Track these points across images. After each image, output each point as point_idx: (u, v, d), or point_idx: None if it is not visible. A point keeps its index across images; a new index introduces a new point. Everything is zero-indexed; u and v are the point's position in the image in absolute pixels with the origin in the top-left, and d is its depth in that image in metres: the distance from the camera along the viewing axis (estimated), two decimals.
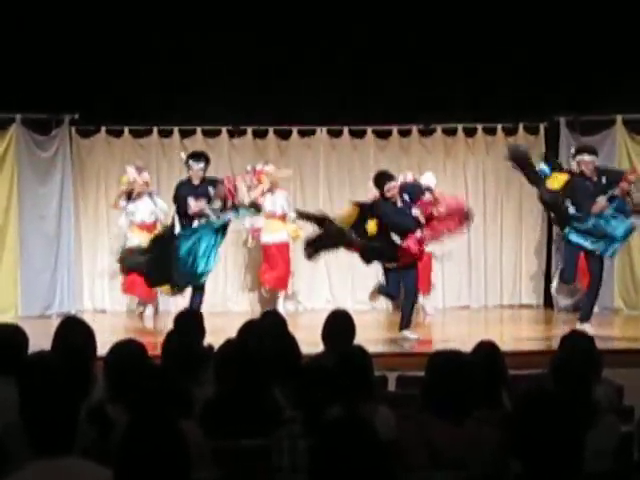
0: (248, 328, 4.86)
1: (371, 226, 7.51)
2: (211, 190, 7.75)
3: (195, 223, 7.69)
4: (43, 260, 9.20)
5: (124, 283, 8.84)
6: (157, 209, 8.91)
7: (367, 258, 7.78)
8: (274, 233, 9.20)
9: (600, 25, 9.21)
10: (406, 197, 7.61)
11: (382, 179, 7.70)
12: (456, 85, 9.54)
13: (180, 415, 3.35)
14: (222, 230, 7.82)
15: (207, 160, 7.87)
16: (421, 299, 9.06)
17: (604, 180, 7.75)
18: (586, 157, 7.70)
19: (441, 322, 9.75)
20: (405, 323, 7.76)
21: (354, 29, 9.46)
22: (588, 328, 7.33)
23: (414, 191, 7.80)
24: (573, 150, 8.13)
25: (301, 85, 9.25)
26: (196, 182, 7.72)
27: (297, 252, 8.94)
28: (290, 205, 9.24)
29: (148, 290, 8.38)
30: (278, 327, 4.97)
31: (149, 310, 8.97)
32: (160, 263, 7.65)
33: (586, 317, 7.78)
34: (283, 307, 8.94)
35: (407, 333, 7.68)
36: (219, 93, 9.22)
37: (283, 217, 9.17)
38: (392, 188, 7.49)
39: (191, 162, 7.78)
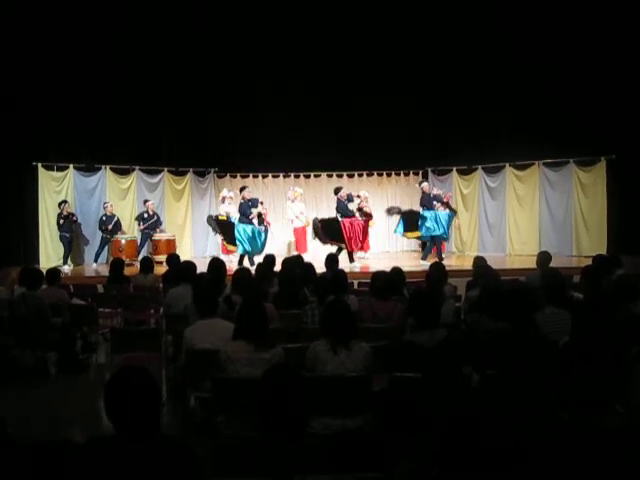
0: (289, 260, 7.28)
1: None
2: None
3: None
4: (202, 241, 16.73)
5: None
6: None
7: None
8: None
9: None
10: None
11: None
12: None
13: (264, 300, 5.32)
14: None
15: None
16: (363, 254, 14.32)
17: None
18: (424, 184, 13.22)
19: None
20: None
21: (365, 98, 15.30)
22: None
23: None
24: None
25: (308, 146, 15.54)
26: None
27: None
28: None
29: None
30: (303, 260, 7.33)
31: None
32: None
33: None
34: None
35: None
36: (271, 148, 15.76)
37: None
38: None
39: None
